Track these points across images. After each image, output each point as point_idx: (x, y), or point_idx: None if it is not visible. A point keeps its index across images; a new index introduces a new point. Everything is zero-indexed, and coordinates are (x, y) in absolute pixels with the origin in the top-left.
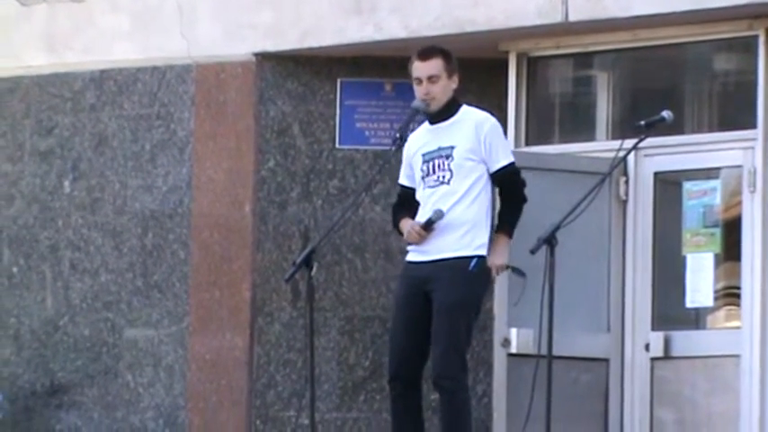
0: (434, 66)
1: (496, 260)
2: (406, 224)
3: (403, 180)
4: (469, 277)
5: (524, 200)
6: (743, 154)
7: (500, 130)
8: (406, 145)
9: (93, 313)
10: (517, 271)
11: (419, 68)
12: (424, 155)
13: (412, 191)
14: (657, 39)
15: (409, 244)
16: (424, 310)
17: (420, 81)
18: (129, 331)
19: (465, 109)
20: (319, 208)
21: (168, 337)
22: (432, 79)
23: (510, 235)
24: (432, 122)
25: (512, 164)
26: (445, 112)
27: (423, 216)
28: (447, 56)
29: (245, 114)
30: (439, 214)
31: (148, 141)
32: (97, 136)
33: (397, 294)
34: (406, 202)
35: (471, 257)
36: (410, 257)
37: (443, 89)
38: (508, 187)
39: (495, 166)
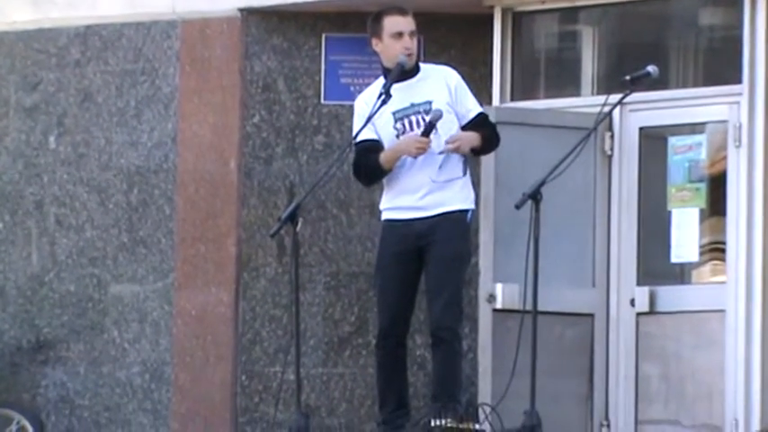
0: (413, 21)
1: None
2: (401, 144)
3: (366, 135)
4: (466, 229)
5: (497, 142)
6: (728, 109)
7: (463, 80)
8: (361, 104)
9: (79, 269)
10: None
11: (401, 23)
12: (394, 113)
13: (378, 143)
14: None
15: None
16: (415, 266)
17: (401, 35)
18: (115, 287)
19: (425, 65)
20: (304, 163)
21: (154, 292)
22: (412, 34)
23: (480, 137)
24: (394, 81)
25: (483, 112)
26: (411, 71)
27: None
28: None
29: (231, 70)
30: (438, 113)
31: (133, 97)
32: (82, 92)
33: (385, 253)
34: (372, 155)
35: (467, 210)
36: (396, 215)
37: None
38: (489, 130)
39: (469, 115)
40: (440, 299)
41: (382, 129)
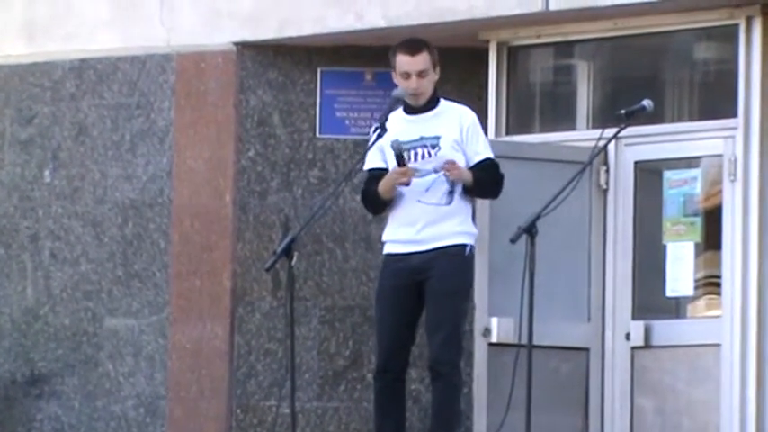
0: (423, 60)
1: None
2: (385, 180)
3: (374, 164)
4: (466, 263)
5: (498, 191)
6: (723, 143)
7: (479, 124)
8: (373, 133)
9: (74, 303)
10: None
11: (408, 63)
12: (402, 143)
13: (385, 172)
14: (638, 28)
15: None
16: (413, 300)
17: (408, 75)
18: (110, 321)
19: (444, 101)
20: (299, 197)
21: (149, 326)
22: (422, 74)
23: (474, 177)
24: (410, 112)
25: (494, 159)
26: (427, 104)
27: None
28: (431, 48)
29: (225, 104)
30: (398, 144)
31: (128, 131)
32: (77, 125)
33: (383, 286)
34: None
35: (465, 245)
36: (394, 249)
37: (431, 83)
38: (489, 175)
39: (476, 158)
40: (438, 334)
41: (390, 158)
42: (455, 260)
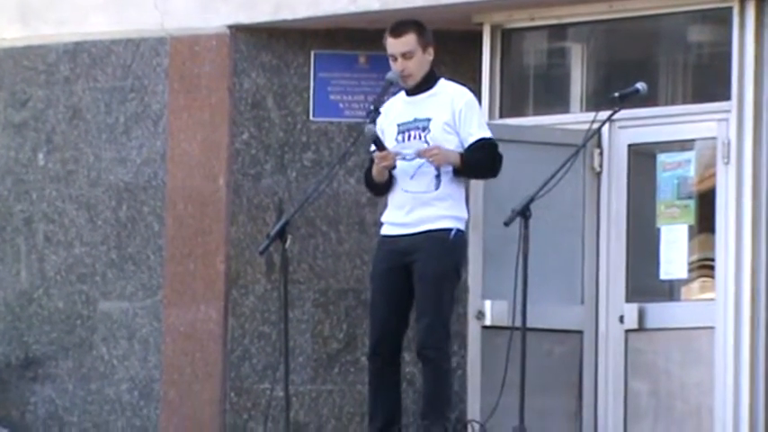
0: (408, 42)
1: (440, 151)
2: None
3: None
4: (450, 247)
5: (493, 170)
6: (717, 126)
7: (475, 104)
8: (383, 110)
9: (68, 286)
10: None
11: (393, 45)
12: (399, 124)
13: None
14: (632, 10)
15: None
16: (404, 283)
17: (395, 58)
18: (104, 304)
19: (443, 82)
20: (293, 180)
21: (143, 309)
22: (406, 56)
23: (463, 161)
24: (409, 94)
25: (489, 138)
26: (423, 85)
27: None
28: (420, 29)
29: (219, 87)
30: (369, 130)
31: (122, 114)
32: (71, 108)
33: (376, 269)
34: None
35: (450, 228)
36: (387, 231)
37: (419, 64)
38: (482, 155)
39: (470, 139)
40: (424, 318)
41: (388, 139)
42: (439, 244)
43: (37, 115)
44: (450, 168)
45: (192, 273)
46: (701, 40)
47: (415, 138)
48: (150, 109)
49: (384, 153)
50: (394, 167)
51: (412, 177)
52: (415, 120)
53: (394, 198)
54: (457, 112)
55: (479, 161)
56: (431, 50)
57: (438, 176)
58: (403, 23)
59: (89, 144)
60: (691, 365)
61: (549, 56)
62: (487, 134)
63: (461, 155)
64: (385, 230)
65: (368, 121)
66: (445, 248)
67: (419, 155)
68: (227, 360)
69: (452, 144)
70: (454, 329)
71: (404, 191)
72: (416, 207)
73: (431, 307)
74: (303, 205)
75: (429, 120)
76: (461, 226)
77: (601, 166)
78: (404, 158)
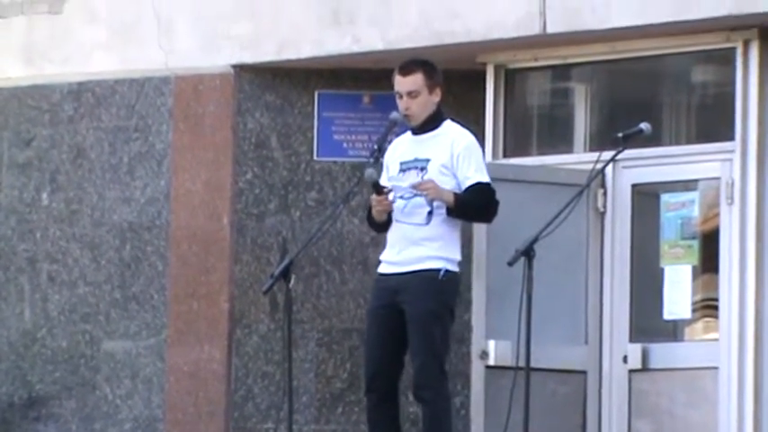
0: (414, 81)
1: (434, 185)
2: (372, 210)
3: (384, 183)
4: (438, 288)
5: (487, 214)
6: (721, 166)
7: (476, 148)
8: (390, 148)
9: (71, 325)
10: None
11: (399, 83)
12: (401, 162)
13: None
14: (635, 51)
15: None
16: (397, 321)
17: (400, 95)
18: (108, 343)
19: (447, 123)
20: (297, 220)
21: (146, 349)
22: (411, 95)
23: (456, 200)
24: (414, 132)
25: (486, 183)
26: (428, 125)
27: (396, 214)
28: (429, 70)
29: (223, 126)
30: (369, 174)
31: (126, 153)
32: (75, 148)
33: (370, 306)
34: None
35: (439, 269)
36: (381, 269)
37: (423, 105)
38: (476, 198)
39: (467, 183)
40: (416, 359)
41: (390, 177)
42: (426, 284)
43: (41, 155)
44: (444, 208)
45: (196, 312)
46: (705, 81)
47: (415, 177)
48: (154, 148)
49: (381, 198)
50: (390, 210)
51: (404, 209)
52: (416, 159)
53: (389, 236)
54: (455, 156)
55: (472, 202)
56: (438, 92)
57: (431, 213)
58: (413, 62)
59: (93, 184)
60: (694, 406)
61: (552, 96)
62: (485, 179)
63: (455, 194)
64: (380, 268)
65: (370, 161)
66: (433, 289)
67: (414, 187)
68: (231, 400)
69: (449, 186)
70: (458, 369)
71: (396, 221)
72: (407, 246)
73: (422, 347)
74: (307, 245)
75: (428, 160)
76: (452, 267)
77: (604, 206)
78: (402, 197)
